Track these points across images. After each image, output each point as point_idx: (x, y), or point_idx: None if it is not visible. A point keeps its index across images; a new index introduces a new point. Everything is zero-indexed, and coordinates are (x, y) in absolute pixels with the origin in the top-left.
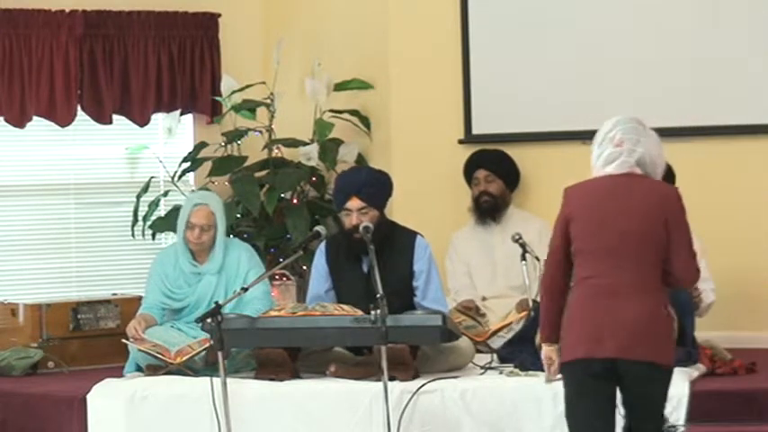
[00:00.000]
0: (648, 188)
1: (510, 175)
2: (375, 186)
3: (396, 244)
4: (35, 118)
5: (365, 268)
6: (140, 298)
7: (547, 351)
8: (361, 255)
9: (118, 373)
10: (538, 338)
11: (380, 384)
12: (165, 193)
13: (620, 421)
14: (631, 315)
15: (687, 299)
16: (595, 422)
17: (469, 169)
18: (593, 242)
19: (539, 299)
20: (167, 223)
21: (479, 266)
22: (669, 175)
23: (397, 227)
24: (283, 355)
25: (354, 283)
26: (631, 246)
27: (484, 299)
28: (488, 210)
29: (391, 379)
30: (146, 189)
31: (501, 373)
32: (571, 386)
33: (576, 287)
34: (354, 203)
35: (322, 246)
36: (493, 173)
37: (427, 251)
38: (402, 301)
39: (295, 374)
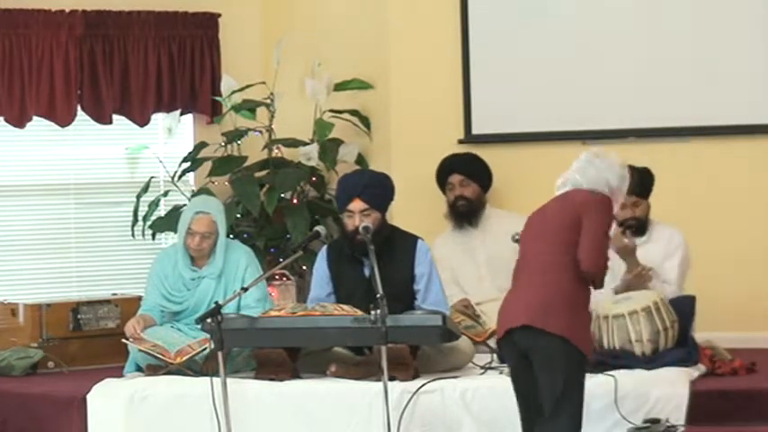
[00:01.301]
0: (570, 196)
1: (484, 177)
2: (377, 188)
3: (397, 248)
4: (35, 118)
5: (366, 272)
6: (140, 298)
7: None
8: (363, 258)
9: (118, 373)
10: None
11: (380, 384)
12: (165, 193)
13: (620, 421)
14: (532, 299)
15: (688, 304)
16: None
17: (443, 175)
18: (523, 242)
19: None
20: (167, 223)
21: (464, 272)
22: (647, 179)
23: (397, 231)
24: (283, 355)
25: (356, 287)
26: (543, 234)
27: (478, 304)
28: (465, 213)
29: (391, 379)
30: (146, 189)
31: (501, 373)
32: None
33: None
34: (357, 205)
35: (323, 250)
36: (467, 177)
37: (428, 255)
38: (403, 305)
39: (295, 374)
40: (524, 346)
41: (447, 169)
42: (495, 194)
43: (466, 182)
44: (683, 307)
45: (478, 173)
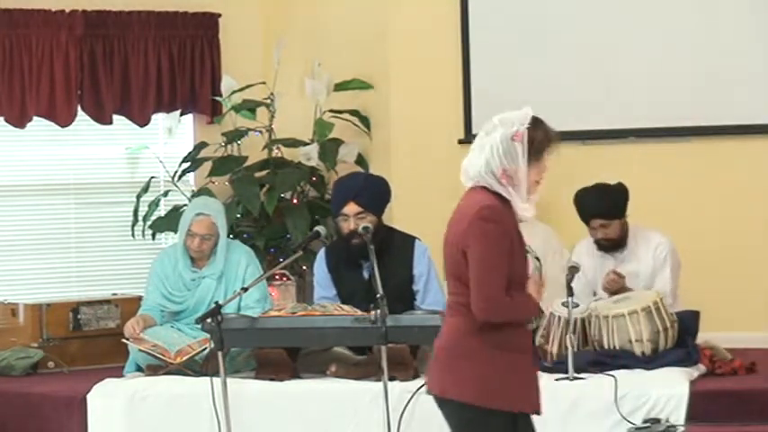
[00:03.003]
0: (465, 207)
1: None
2: (372, 191)
3: (394, 249)
4: (35, 118)
5: (366, 274)
6: (140, 298)
7: None
8: (361, 260)
9: (118, 373)
10: (538, 339)
11: (380, 384)
12: (165, 193)
13: (620, 421)
14: (436, 342)
15: (692, 319)
16: None
17: None
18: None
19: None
20: (167, 223)
21: None
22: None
23: (395, 232)
24: (283, 355)
25: (355, 289)
26: (447, 269)
27: None
28: None
29: (391, 379)
30: (146, 189)
31: None
32: None
33: None
34: (351, 209)
35: (321, 253)
36: None
37: (426, 255)
38: (403, 306)
39: (295, 374)
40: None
41: None
42: None
43: None
44: (688, 322)
45: None
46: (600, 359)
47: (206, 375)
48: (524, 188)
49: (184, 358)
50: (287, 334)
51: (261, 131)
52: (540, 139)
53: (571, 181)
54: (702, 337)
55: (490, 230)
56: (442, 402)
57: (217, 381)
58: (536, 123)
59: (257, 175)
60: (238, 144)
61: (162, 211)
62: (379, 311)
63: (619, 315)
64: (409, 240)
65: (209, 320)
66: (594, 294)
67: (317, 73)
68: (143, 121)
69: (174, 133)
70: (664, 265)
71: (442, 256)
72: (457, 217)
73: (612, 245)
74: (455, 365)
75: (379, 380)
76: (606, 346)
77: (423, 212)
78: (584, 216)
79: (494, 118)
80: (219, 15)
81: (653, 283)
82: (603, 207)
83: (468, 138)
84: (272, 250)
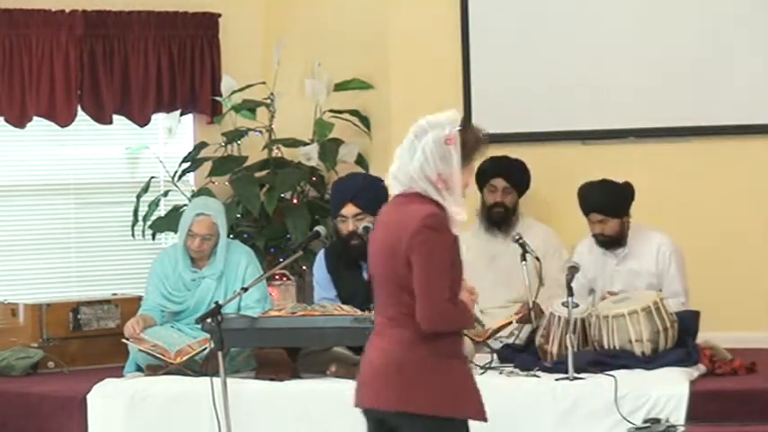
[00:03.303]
0: (401, 214)
1: (525, 187)
2: (370, 193)
3: None
4: (35, 118)
5: (365, 275)
6: (140, 298)
7: None
8: (360, 261)
9: (118, 373)
10: (538, 339)
11: None
12: (165, 193)
13: (620, 421)
14: (375, 357)
15: (692, 319)
16: None
17: (488, 174)
18: (373, 274)
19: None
20: (167, 223)
21: (480, 276)
22: (621, 198)
23: None
24: (283, 355)
25: (356, 290)
26: (383, 279)
27: (482, 312)
28: (499, 221)
29: None
30: (146, 189)
31: (501, 373)
32: None
33: None
34: (350, 210)
35: (321, 254)
36: (512, 185)
37: None
38: None
39: (295, 374)
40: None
41: (494, 170)
42: None
43: (509, 189)
44: (688, 322)
45: (524, 183)
46: (600, 359)
47: (206, 375)
48: (458, 192)
49: (184, 358)
50: (287, 334)
51: (261, 131)
52: (471, 141)
53: (571, 181)
54: (702, 337)
55: (436, 239)
56: (398, 416)
57: (217, 381)
58: (466, 126)
59: (257, 175)
60: (238, 144)
61: (162, 211)
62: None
63: (619, 315)
64: None
65: (209, 320)
66: (593, 291)
67: (316, 73)
68: (143, 121)
69: (173, 133)
70: (670, 265)
71: None
72: (392, 225)
73: (609, 241)
74: (409, 378)
75: None
76: (606, 346)
77: None
78: (584, 209)
79: (420, 120)
80: (219, 15)
81: (658, 284)
82: (604, 203)
83: None
84: (272, 250)
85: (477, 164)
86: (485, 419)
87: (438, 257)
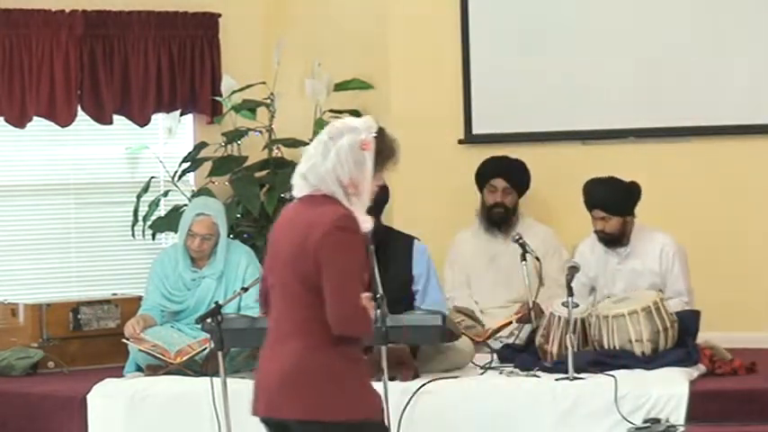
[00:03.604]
0: (309, 216)
1: (525, 187)
2: None
3: (393, 250)
4: (35, 118)
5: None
6: (140, 298)
7: None
8: None
9: (118, 373)
10: (538, 339)
11: (380, 384)
12: (165, 193)
13: (620, 421)
14: (278, 365)
15: (693, 319)
16: None
17: (488, 174)
18: (271, 279)
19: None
20: (167, 223)
21: (480, 275)
22: (633, 192)
23: (393, 232)
24: None
25: None
26: (287, 283)
27: (482, 312)
28: (498, 222)
29: (391, 379)
30: (146, 189)
31: (501, 373)
32: None
33: None
34: None
35: None
36: (512, 185)
37: (425, 255)
38: (403, 307)
39: None
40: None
41: (494, 171)
42: None
43: (509, 189)
44: (688, 322)
45: (524, 183)
46: (600, 359)
47: (206, 375)
48: (366, 199)
49: (184, 358)
50: None
51: (261, 131)
52: (386, 149)
53: (571, 181)
54: (702, 337)
55: (351, 241)
56: (309, 425)
57: (217, 381)
58: (381, 133)
59: (257, 175)
60: (238, 144)
61: (162, 211)
62: (379, 311)
63: (619, 315)
64: (408, 240)
65: (209, 320)
66: (594, 290)
67: (316, 73)
68: (143, 121)
69: (173, 133)
70: (673, 265)
71: (440, 256)
72: (300, 226)
73: (610, 239)
74: (319, 385)
75: (380, 380)
76: (606, 346)
77: (422, 212)
78: (587, 204)
79: (335, 123)
80: (219, 15)
81: (661, 283)
82: (607, 201)
83: (469, 138)
84: None
85: (386, 174)
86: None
87: (351, 258)
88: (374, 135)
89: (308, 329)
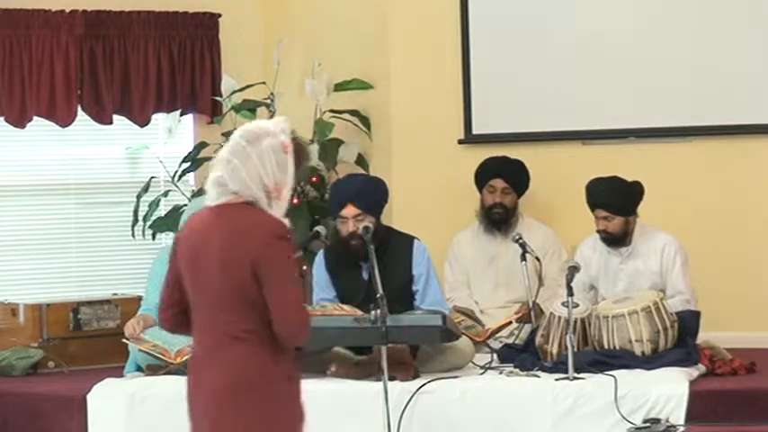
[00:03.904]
0: (238, 224)
1: (525, 187)
2: (370, 193)
3: (393, 250)
4: (35, 118)
5: (365, 275)
6: (140, 298)
7: None
8: (360, 261)
9: (118, 373)
10: (538, 339)
11: (380, 384)
12: (166, 193)
13: (620, 421)
14: (215, 382)
15: (693, 320)
16: None
17: (487, 175)
18: (193, 292)
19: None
20: (167, 223)
21: (480, 276)
22: (636, 192)
23: (393, 232)
24: None
25: (355, 291)
26: (222, 294)
27: (482, 312)
28: (498, 221)
29: (391, 379)
30: (146, 189)
31: (501, 373)
32: None
33: None
34: (350, 211)
35: (320, 255)
36: (511, 185)
37: (425, 254)
38: (403, 307)
39: None
40: None
41: (493, 171)
42: None
43: (508, 190)
44: (688, 322)
45: (523, 183)
46: (600, 359)
47: None
48: (285, 203)
49: (184, 358)
50: None
51: None
52: (302, 151)
53: (571, 181)
54: (702, 337)
55: (288, 248)
56: None
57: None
58: (294, 135)
59: None
60: None
61: (162, 211)
62: (379, 311)
63: (619, 315)
64: (408, 240)
65: None
66: (593, 288)
67: (317, 73)
68: (143, 121)
69: (173, 133)
70: (674, 264)
71: (440, 256)
72: (230, 235)
73: (612, 239)
74: (263, 401)
75: (380, 380)
76: (606, 346)
77: (422, 212)
78: (590, 204)
79: (247, 126)
80: (219, 15)
81: (662, 283)
82: (609, 201)
83: (469, 138)
84: None
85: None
86: None
87: (291, 267)
88: (290, 137)
89: (249, 342)
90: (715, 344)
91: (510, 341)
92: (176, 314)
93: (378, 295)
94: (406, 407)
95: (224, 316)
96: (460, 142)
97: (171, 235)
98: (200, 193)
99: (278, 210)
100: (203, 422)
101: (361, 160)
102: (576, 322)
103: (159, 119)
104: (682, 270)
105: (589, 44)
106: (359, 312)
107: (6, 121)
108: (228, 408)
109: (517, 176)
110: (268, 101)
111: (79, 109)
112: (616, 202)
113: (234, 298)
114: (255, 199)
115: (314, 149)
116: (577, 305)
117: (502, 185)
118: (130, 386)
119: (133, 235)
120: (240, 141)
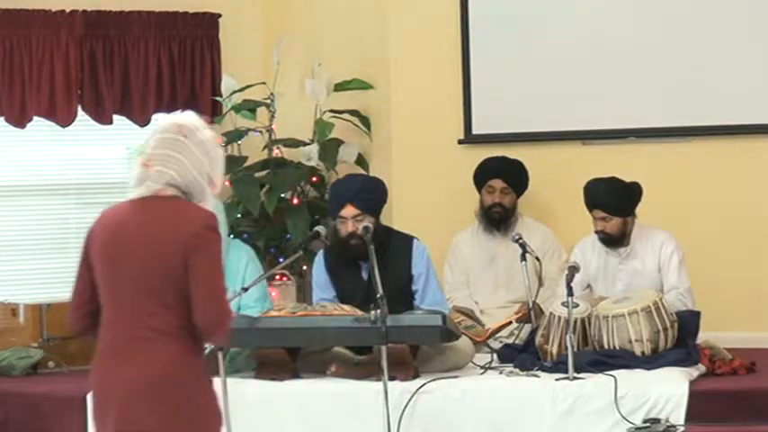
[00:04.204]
0: (167, 217)
1: (524, 187)
2: (370, 193)
3: (393, 250)
4: (35, 118)
5: (365, 275)
6: None
7: None
8: (359, 261)
9: None
10: (538, 339)
11: (380, 384)
12: None
13: (620, 421)
14: (133, 375)
15: (693, 320)
16: None
17: (486, 175)
18: (106, 285)
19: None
20: None
21: (480, 276)
22: (634, 193)
23: (392, 232)
24: (283, 355)
25: (355, 291)
26: (147, 286)
27: (482, 312)
28: (497, 221)
29: (391, 379)
30: None
31: (501, 373)
32: None
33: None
34: (349, 211)
35: (320, 255)
36: (510, 185)
37: (425, 254)
38: (402, 307)
39: (295, 374)
40: None
41: (492, 171)
42: None
43: (507, 190)
44: (688, 322)
45: (522, 183)
46: (600, 359)
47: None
48: (214, 195)
49: None
50: (287, 334)
51: (261, 131)
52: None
53: (571, 181)
54: (702, 337)
55: (218, 242)
56: None
57: (217, 381)
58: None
59: (257, 175)
60: (238, 144)
61: None
62: (379, 311)
63: (619, 315)
64: (408, 240)
65: None
66: (589, 287)
67: (317, 73)
68: (143, 121)
69: None
70: (670, 260)
71: (439, 256)
72: (157, 228)
73: (610, 240)
74: (185, 397)
75: (380, 380)
76: (606, 346)
77: (422, 212)
78: (588, 205)
79: (175, 120)
80: (219, 15)
81: (660, 281)
82: (608, 201)
83: (468, 138)
84: (272, 250)
85: None
86: None
87: (220, 260)
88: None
89: (173, 336)
90: (715, 344)
91: (510, 341)
92: (87, 314)
93: (378, 295)
94: (406, 407)
95: (150, 310)
96: (460, 142)
97: None
98: None
99: (210, 202)
100: (122, 413)
101: (361, 160)
102: (575, 322)
103: (159, 119)
104: (678, 267)
105: (589, 44)
106: (359, 312)
107: (6, 121)
108: (156, 404)
109: (516, 176)
110: (268, 101)
111: (79, 109)
112: (614, 202)
113: (167, 291)
114: (191, 192)
115: (314, 149)
116: (577, 305)
117: (501, 185)
118: None
119: None
120: (173, 135)
